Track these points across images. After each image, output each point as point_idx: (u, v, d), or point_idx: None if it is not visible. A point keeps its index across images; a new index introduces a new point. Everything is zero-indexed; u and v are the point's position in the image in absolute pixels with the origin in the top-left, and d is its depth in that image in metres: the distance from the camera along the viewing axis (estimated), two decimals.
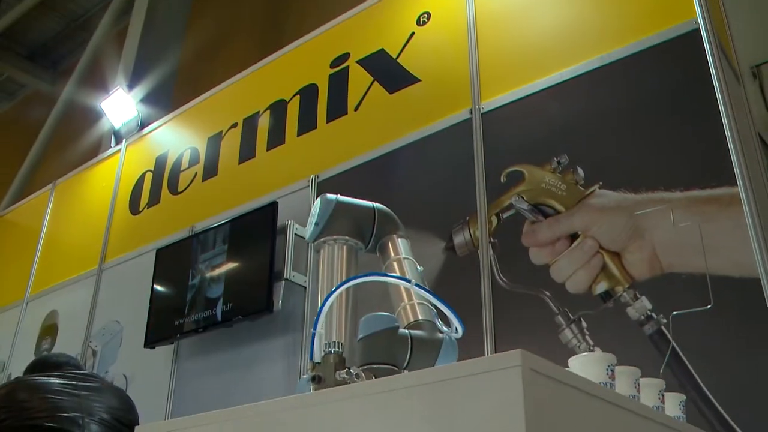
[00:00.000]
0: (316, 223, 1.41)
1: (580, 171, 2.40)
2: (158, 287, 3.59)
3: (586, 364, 0.96)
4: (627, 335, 2.11)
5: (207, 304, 3.24)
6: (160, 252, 3.69)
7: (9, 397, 1.82)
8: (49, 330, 4.67)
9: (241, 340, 3.26)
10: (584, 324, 2.22)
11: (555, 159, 2.47)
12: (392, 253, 1.43)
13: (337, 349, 1.10)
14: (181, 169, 4.13)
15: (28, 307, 4.95)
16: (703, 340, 1.98)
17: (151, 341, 3.48)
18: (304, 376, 1.19)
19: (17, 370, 4.73)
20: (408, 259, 1.44)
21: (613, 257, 2.22)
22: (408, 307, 1.32)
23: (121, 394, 2.03)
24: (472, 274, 2.53)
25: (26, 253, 5.23)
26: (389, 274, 1.36)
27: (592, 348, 2.18)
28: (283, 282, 3.08)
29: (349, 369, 1.07)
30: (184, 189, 4.05)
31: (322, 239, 1.43)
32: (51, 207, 5.25)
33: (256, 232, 3.19)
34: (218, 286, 3.24)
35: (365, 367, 1.15)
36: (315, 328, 1.20)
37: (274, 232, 3.11)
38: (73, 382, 1.89)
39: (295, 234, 3.15)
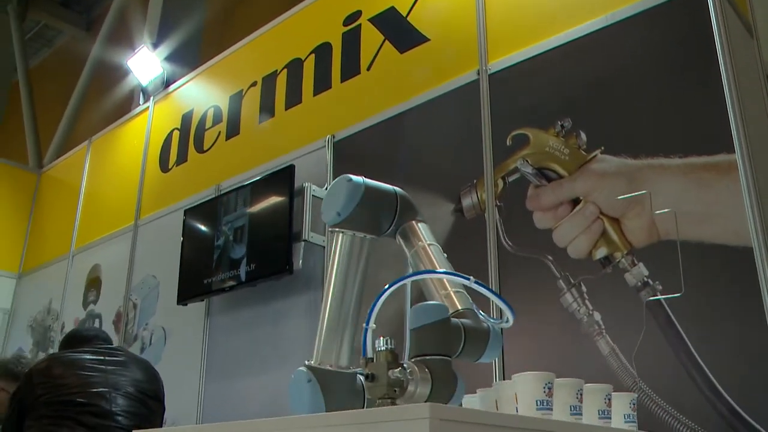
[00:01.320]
0: (338, 213, 1.34)
1: (583, 135, 2.41)
2: (187, 247, 3.75)
3: (525, 383, 1.03)
4: (625, 301, 2.16)
5: (232, 265, 3.39)
6: (187, 212, 3.84)
7: (47, 373, 2.00)
8: (94, 282, 4.93)
9: (266, 298, 3.42)
10: (584, 289, 2.28)
11: (559, 123, 2.48)
12: (417, 240, 1.40)
13: (389, 346, 1.10)
14: (206, 127, 4.24)
15: (74, 260, 5.22)
16: (697, 308, 2.02)
17: (183, 299, 3.67)
18: (303, 367, 1.26)
19: (69, 319, 5.04)
20: (433, 245, 1.41)
21: (612, 223, 2.26)
22: (450, 295, 1.30)
23: (145, 366, 2.19)
24: (479, 236, 2.59)
25: (69, 209, 5.47)
26: (446, 270, 1.32)
27: (591, 312, 2.24)
28: (302, 243, 3.20)
29: (403, 365, 1.08)
30: (209, 147, 4.16)
31: (338, 229, 1.40)
32: (88, 163, 5.44)
33: (275, 194, 3.30)
34: (241, 247, 3.38)
35: (418, 358, 1.14)
36: (367, 324, 1.19)
37: (292, 194, 3.21)
38: (101, 357, 2.06)
39: (313, 195, 3.25)
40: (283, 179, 3.28)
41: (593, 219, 2.30)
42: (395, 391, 1.05)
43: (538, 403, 1.00)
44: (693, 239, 2.08)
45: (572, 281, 2.31)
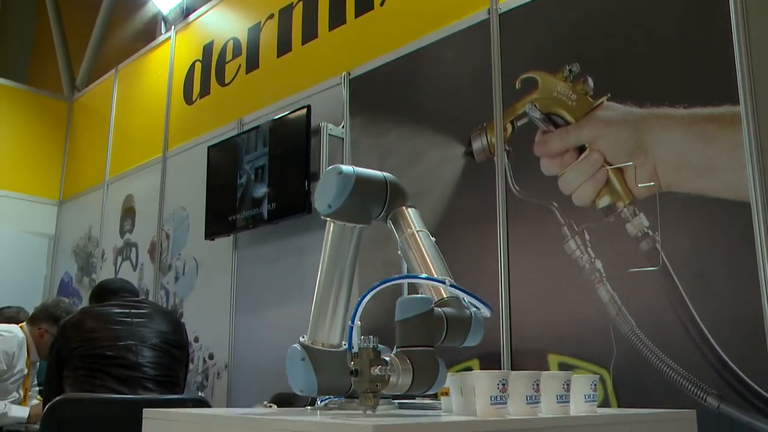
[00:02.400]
0: (329, 206, 1.41)
1: (590, 81, 2.41)
2: (212, 184, 3.89)
3: (480, 381, 1.13)
4: (625, 250, 2.23)
5: (254, 203, 3.53)
6: (210, 149, 3.96)
7: (79, 327, 2.19)
8: (129, 212, 5.16)
9: (288, 234, 3.57)
10: (587, 237, 2.35)
11: (567, 67, 2.48)
12: (406, 227, 1.46)
13: (373, 345, 1.19)
14: (226, 60, 4.28)
15: (109, 189, 5.44)
16: (693, 260, 2.09)
17: (210, 234, 3.85)
18: (297, 345, 1.39)
19: (108, 247, 5.31)
20: (422, 231, 1.47)
21: (616, 172, 2.29)
22: (433, 285, 1.38)
23: (170, 317, 2.37)
24: (489, 180, 2.65)
25: (101, 138, 5.65)
26: (421, 276, 1.39)
27: (593, 260, 2.32)
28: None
29: (385, 360, 1.17)
30: (231, 81, 4.23)
31: (329, 218, 1.46)
32: (116, 92, 5.57)
33: (292, 134, 3.38)
34: (262, 186, 3.50)
35: (402, 349, 1.24)
36: (353, 322, 1.32)
37: (309, 135, 3.29)
38: (127, 310, 2.24)
39: (329, 135, 3.32)
40: (299, 119, 3.35)
41: (598, 167, 2.34)
42: (377, 385, 1.16)
43: (492, 398, 1.11)
44: (694, 192, 2.11)
45: (576, 229, 2.38)
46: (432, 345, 1.25)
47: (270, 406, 3.02)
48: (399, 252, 1.51)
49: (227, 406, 3.84)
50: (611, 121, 2.33)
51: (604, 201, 2.32)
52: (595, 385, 1.29)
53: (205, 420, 1.15)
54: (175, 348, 2.26)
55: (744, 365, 1.94)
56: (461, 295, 1.33)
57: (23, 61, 7.60)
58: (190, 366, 4.16)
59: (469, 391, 1.15)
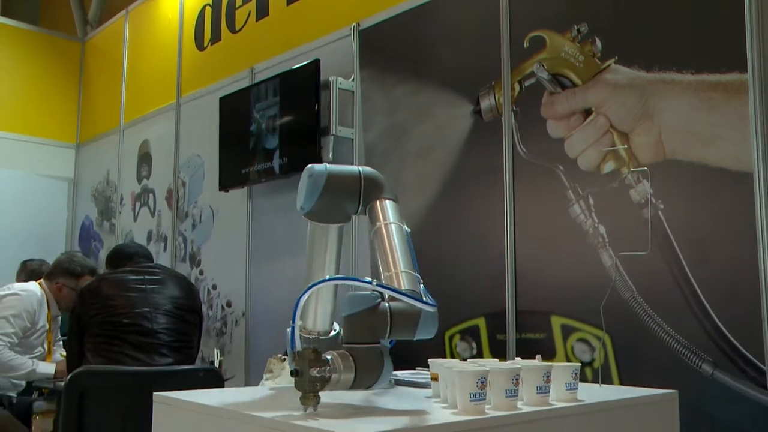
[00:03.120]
0: (302, 207, 1.46)
1: (598, 42, 2.41)
2: (224, 136, 3.97)
3: (460, 378, 1.22)
4: (628, 216, 2.28)
5: (266, 156, 3.60)
6: (222, 100, 4.01)
7: (97, 293, 2.32)
8: (145, 158, 5.27)
9: None
10: (591, 201, 2.40)
11: (575, 27, 2.47)
12: (377, 220, 1.46)
13: (311, 345, 1.22)
14: (236, 6, 4.28)
15: (125, 134, 5.54)
16: (694, 229, 2.14)
17: (223, 186, 3.95)
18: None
19: (127, 192, 5.45)
20: (394, 223, 1.46)
21: (621, 137, 2.32)
22: (393, 276, 1.35)
23: (182, 283, 2.48)
24: (496, 140, 2.69)
25: (115, 81, 5.71)
26: (350, 276, 1.39)
27: (596, 225, 2.38)
28: (332, 137, 3.36)
29: (327, 359, 1.19)
30: (241, 28, 4.24)
31: (308, 219, 1.51)
32: (128, 35, 5.59)
33: (302, 88, 3.41)
34: (274, 138, 3.57)
35: (346, 346, 1.26)
36: (293, 322, 1.31)
37: (318, 90, 3.32)
38: (142, 277, 2.36)
39: (339, 89, 3.35)
40: (308, 73, 3.38)
41: (603, 132, 2.37)
42: (317, 385, 1.19)
43: (472, 395, 1.20)
44: (698, 161, 2.14)
45: (581, 193, 2.43)
46: (377, 341, 1.27)
47: (283, 359, 3.17)
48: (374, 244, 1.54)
49: (245, 354, 4.03)
50: (618, 84, 2.34)
51: (609, 167, 2.35)
52: (576, 373, 1.38)
53: (208, 412, 1.26)
54: (188, 313, 2.38)
55: (739, 334, 2.02)
56: (389, 293, 1.29)
57: (34, 2, 7.60)
58: (210, 312, 4.35)
59: (452, 385, 1.25)
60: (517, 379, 1.25)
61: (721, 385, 2.03)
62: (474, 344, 2.75)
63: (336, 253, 1.53)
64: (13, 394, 2.85)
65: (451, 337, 2.85)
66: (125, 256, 2.49)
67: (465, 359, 2.77)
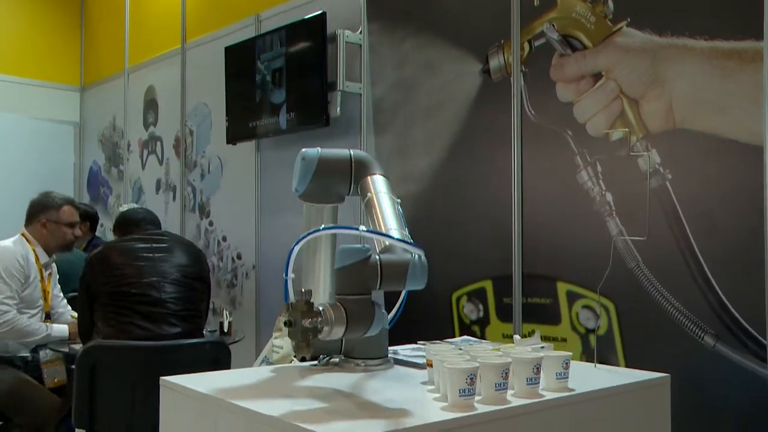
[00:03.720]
0: (296, 189, 1.57)
1: (610, 3, 2.40)
2: (230, 88, 4.00)
3: (450, 374, 1.30)
4: (636, 185, 2.32)
5: (273, 111, 3.65)
6: (228, 50, 4.03)
7: (106, 262, 2.41)
8: (151, 104, 5.32)
9: (309, 141, 3.70)
10: (599, 168, 2.44)
11: None
12: (369, 190, 1.55)
13: (305, 297, 1.31)
14: None
15: (130, 78, 5.58)
16: (701, 201, 2.18)
17: (231, 139, 4.01)
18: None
19: (134, 139, 5.53)
20: (383, 193, 1.56)
21: (631, 104, 2.34)
22: (385, 231, 1.46)
23: (189, 249, 2.57)
24: (504, 101, 2.72)
25: (117, 22, 5.72)
26: (339, 225, 1.53)
27: (603, 192, 2.43)
28: (339, 92, 3.39)
29: (318, 312, 1.30)
30: None
31: (303, 200, 1.62)
32: None
33: (309, 42, 3.42)
34: (281, 92, 3.60)
35: (338, 297, 1.37)
36: (286, 275, 1.46)
37: (325, 45, 3.33)
38: (149, 245, 2.45)
39: (346, 42, 3.36)
40: (315, 26, 3.38)
41: (613, 97, 2.39)
42: (309, 335, 1.29)
43: (461, 391, 1.29)
44: (708, 131, 2.17)
45: (589, 159, 2.47)
46: (368, 292, 1.37)
47: None
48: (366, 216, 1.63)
49: (255, 308, 4.17)
50: (629, 48, 2.34)
51: (617, 134, 2.39)
52: (566, 363, 1.45)
53: (210, 402, 1.36)
54: (196, 281, 2.48)
55: (742, 308, 2.08)
56: (379, 237, 1.42)
57: None
58: (221, 264, 4.48)
59: (443, 378, 1.33)
60: (506, 373, 1.33)
61: (722, 358, 2.11)
62: (481, 306, 2.85)
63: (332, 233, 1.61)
64: (26, 353, 2.98)
65: (458, 299, 2.94)
66: (133, 223, 2.58)
67: (471, 321, 2.88)
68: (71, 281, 3.75)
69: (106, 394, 2.11)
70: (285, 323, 1.32)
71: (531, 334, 1.87)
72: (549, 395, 1.39)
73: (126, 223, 2.61)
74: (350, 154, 1.63)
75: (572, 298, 2.52)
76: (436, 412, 1.25)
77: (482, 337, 2.84)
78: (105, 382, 2.10)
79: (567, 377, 1.46)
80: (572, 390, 1.44)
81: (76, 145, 6.42)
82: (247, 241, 4.23)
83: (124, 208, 3.56)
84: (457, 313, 2.94)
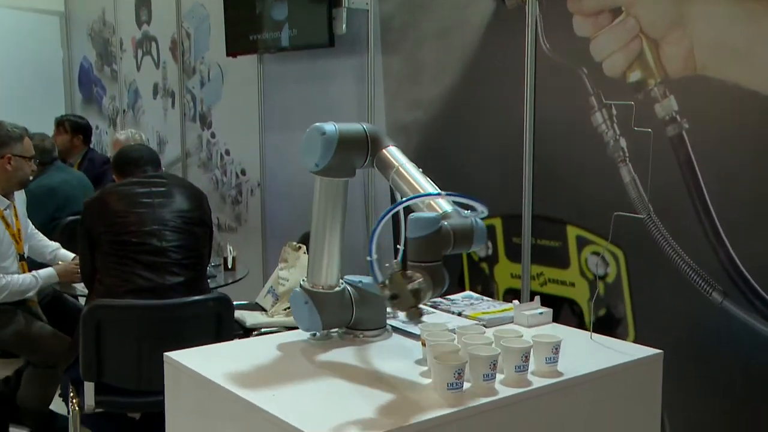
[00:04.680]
0: (317, 164, 1.65)
1: None
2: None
3: (438, 368, 1.45)
4: (651, 132, 2.40)
5: (275, 26, 3.67)
6: None
7: (105, 208, 2.52)
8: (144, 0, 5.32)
9: (313, 59, 3.76)
10: (614, 111, 2.51)
11: None
12: (392, 166, 1.69)
13: (398, 267, 1.47)
14: None
15: None
16: (717, 153, 2.26)
17: (231, 51, 4.07)
18: (299, 289, 1.71)
19: (127, 37, 5.56)
20: (407, 164, 1.69)
21: (651, 45, 2.38)
22: (431, 203, 1.61)
23: (189, 192, 2.66)
24: (518, 31, 2.75)
25: None
26: (421, 194, 1.62)
27: (617, 137, 2.51)
28: (344, 9, 3.41)
29: (415, 277, 1.44)
30: None
31: (320, 176, 1.71)
32: None
33: None
34: (282, 6, 3.62)
35: (417, 264, 1.50)
36: (370, 256, 1.58)
37: None
38: (148, 189, 2.56)
39: None
40: None
41: (632, 36, 2.42)
42: (416, 299, 1.45)
43: (449, 385, 1.45)
44: (729, 80, 2.22)
45: (604, 101, 2.53)
46: (441, 258, 1.52)
47: (298, 248, 3.47)
48: (392, 188, 1.76)
49: (261, 227, 4.35)
50: None
51: (635, 75, 2.44)
52: (556, 348, 1.60)
53: (211, 388, 1.54)
54: (197, 226, 2.61)
55: (752, 267, 2.20)
56: (461, 199, 1.57)
57: None
58: (224, 179, 4.64)
59: (432, 368, 1.50)
60: (495, 364, 1.49)
61: (729, 314, 2.26)
62: (489, 244, 3.00)
63: (344, 208, 1.74)
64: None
65: None
66: (132, 162, 2.68)
67: (480, 258, 3.04)
68: (72, 203, 3.91)
69: (113, 350, 2.29)
70: (390, 298, 1.47)
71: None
72: (537, 382, 1.54)
73: (124, 163, 2.73)
74: (364, 129, 1.72)
75: (582, 243, 2.65)
76: (426, 406, 1.42)
77: (491, 275, 3.00)
78: (111, 339, 2.28)
79: (556, 361, 1.61)
80: (561, 374, 1.59)
81: (62, 37, 6.44)
82: (252, 157, 4.35)
83: (122, 136, 3.70)
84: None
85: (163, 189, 2.62)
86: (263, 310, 3.42)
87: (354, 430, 1.31)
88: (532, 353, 1.57)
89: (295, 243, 3.51)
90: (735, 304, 2.24)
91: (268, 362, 1.69)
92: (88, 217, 2.59)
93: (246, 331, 3.12)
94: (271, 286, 3.50)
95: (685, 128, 2.32)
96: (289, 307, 3.23)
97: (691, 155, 2.31)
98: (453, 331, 1.68)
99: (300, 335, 1.86)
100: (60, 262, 3.16)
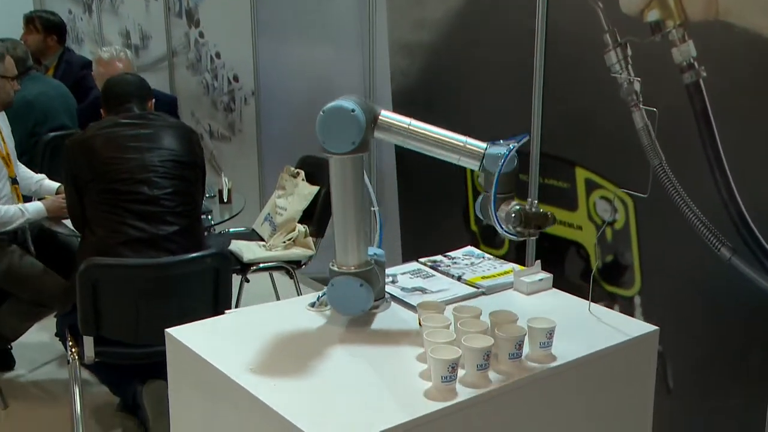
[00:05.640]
0: (353, 143, 1.72)
1: None
2: None
3: (434, 362, 1.59)
4: (667, 77, 2.46)
5: None
6: None
7: (91, 151, 2.59)
8: None
9: None
10: (629, 52, 2.56)
11: None
12: (399, 126, 1.82)
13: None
14: None
15: None
16: (736, 105, 2.33)
17: None
18: (344, 276, 1.84)
19: None
20: (413, 120, 1.83)
21: None
22: (466, 146, 1.80)
23: (179, 134, 2.69)
24: None
25: None
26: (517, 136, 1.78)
27: (631, 80, 2.57)
28: None
29: (531, 209, 1.70)
30: None
31: (350, 155, 1.77)
32: None
33: None
34: None
35: (504, 195, 1.75)
36: (495, 214, 1.75)
37: None
38: (136, 131, 2.59)
39: None
40: None
41: None
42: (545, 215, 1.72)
43: (443, 378, 1.60)
44: (753, 27, 2.25)
45: (619, 39, 2.58)
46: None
47: (296, 174, 3.59)
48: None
49: (257, 141, 4.45)
50: None
51: (653, 15, 2.47)
52: (550, 333, 1.74)
53: (211, 372, 1.69)
54: (188, 169, 2.67)
55: (762, 225, 2.32)
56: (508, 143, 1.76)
57: None
58: (215, 84, 4.70)
59: (428, 357, 1.65)
60: (488, 355, 1.64)
61: (736, 271, 2.40)
62: None
63: (362, 181, 1.84)
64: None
65: None
66: (115, 96, 2.72)
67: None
68: (52, 117, 3.96)
69: (110, 307, 2.43)
70: (536, 228, 1.74)
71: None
72: (531, 369, 1.69)
73: (108, 98, 2.79)
74: (363, 100, 1.81)
75: (591, 186, 2.76)
76: (417, 399, 1.58)
77: None
78: (108, 297, 2.42)
79: (551, 345, 1.76)
80: (555, 359, 1.74)
81: None
82: (245, 64, 4.39)
83: (105, 54, 3.71)
84: (471, 181, 3.21)
85: (150, 131, 2.69)
86: (260, 239, 3.58)
87: (352, 427, 1.48)
88: (526, 339, 1.72)
89: (293, 169, 3.62)
90: (743, 262, 2.37)
91: (268, 342, 1.83)
92: (72, 161, 2.67)
93: (243, 267, 3.29)
94: (268, 213, 3.63)
95: (702, 76, 2.38)
96: (287, 240, 3.40)
97: (707, 105, 2.38)
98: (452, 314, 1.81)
99: (298, 304, 2.00)
100: (47, 197, 3.26)
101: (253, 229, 3.68)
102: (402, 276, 2.20)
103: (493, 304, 1.88)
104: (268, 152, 4.39)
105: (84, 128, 2.86)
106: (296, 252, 3.36)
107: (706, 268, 2.46)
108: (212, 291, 2.50)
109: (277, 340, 1.84)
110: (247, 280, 3.42)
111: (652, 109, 2.26)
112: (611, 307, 2.73)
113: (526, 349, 1.72)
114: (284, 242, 3.35)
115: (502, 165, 1.72)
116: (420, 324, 1.79)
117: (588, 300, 1.93)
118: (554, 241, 2.87)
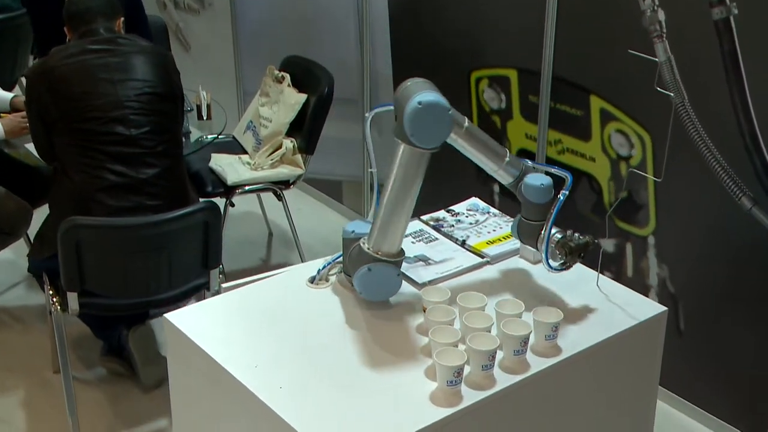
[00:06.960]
0: (412, 135, 1.81)
1: None
2: None
3: (439, 367, 1.73)
4: (694, 10, 2.49)
5: None
6: None
7: (58, 91, 2.59)
8: None
9: None
10: None
11: None
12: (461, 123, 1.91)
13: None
14: None
15: None
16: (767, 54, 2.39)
17: None
18: (383, 264, 1.95)
19: None
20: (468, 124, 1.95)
21: None
22: (508, 156, 1.99)
23: (152, 60, 2.62)
24: None
25: None
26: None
27: (655, 7, 2.60)
28: None
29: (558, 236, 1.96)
30: None
31: (432, 150, 1.87)
32: None
33: None
34: None
35: (538, 222, 2.01)
36: (547, 239, 1.97)
37: None
38: (105, 60, 2.61)
39: None
40: None
41: None
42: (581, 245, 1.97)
43: (448, 382, 1.75)
44: None
45: None
46: None
47: (281, 78, 3.63)
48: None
49: (231, 14, 4.41)
50: None
51: None
52: (556, 327, 1.89)
53: (208, 363, 1.83)
54: (166, 101, 2.70)
55: None
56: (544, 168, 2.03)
57: None
58: None
59: (434, 361, 1.80)
60: (493, 357, 1.80)
61: (756, 222, 2.53)
62: (503, 97, 3.17)
63: (423, 177, 1.91)
64: None
65: (478, 81, 3.25)
66: (77, 14, 2.62)
67: (492, 110, 3.24)
68: None
69: (95, 265, 2.53)
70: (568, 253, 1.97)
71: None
72: (536, 365, 1.83)
73: (74, 15, 2.75)
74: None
75: (606, 117, 2.84)
76: (421, 404, 1.73)
77: (503, 130, 3.22)
78: (93, 254, 2.51)
79: (556, 338, 1.91)
80: (560, 351, 1.89)
81: None
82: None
83: None
84: (476, 97, 3.28)
85: (119, 60, 2.69)
86: (243, 150, 3.65)
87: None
88: (533, 330, 1.87)
89: (277, 72, 3.64)
90: (763, 213, 2.50)
91: (270, 333, 1.94)
92: (35, 95, 2.68)
93: (227, 189, 3.39)
94: (251, 121, 3.67)
95: (733, 13, 2.42)
96: (274, 160, 3.48)
97: (737, 45, 2.44)
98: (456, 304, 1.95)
99: (297, 278, 2.12)
100: (2, 115, 3.22)
101: (233, 137, 3.72)
102: (404, 239, 2.32)
103: (499, 278, 2.06)
104: (244, 40, 4.39)
105: (32, 18, 2.80)
106: (284, 171, 3.43)
107: (724, 214, 2.59)
108: (202, 244, 2.61)
109: (279, 330, 1.92)
110: (232, 205, 3.48)
111: (668, 93, 2.32)
112: (623, 246, 2.90)
113: (531, 340, 1.87)
114: (271, 161, 3.42)
115: (555, 212, 1.96)
116: (424, 310, 1.94)
117: (597, 271, 2.06)
118: (564, 168, 2.97)
